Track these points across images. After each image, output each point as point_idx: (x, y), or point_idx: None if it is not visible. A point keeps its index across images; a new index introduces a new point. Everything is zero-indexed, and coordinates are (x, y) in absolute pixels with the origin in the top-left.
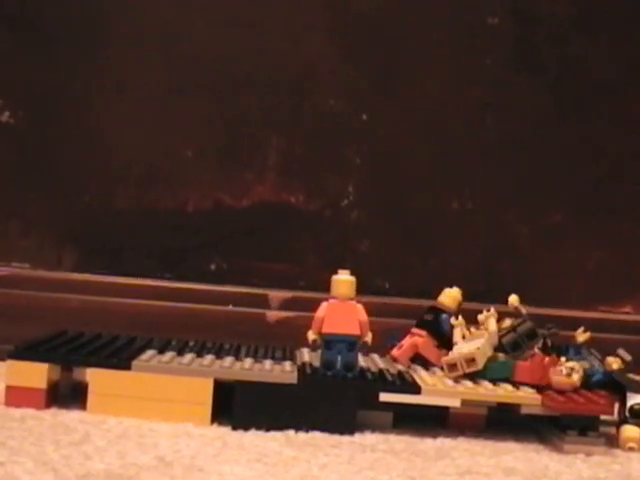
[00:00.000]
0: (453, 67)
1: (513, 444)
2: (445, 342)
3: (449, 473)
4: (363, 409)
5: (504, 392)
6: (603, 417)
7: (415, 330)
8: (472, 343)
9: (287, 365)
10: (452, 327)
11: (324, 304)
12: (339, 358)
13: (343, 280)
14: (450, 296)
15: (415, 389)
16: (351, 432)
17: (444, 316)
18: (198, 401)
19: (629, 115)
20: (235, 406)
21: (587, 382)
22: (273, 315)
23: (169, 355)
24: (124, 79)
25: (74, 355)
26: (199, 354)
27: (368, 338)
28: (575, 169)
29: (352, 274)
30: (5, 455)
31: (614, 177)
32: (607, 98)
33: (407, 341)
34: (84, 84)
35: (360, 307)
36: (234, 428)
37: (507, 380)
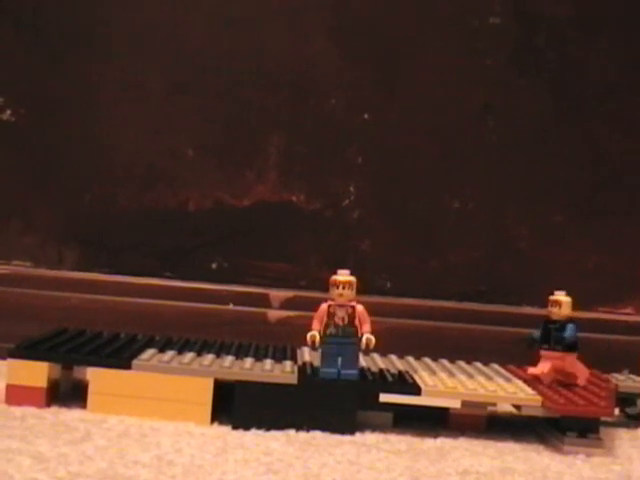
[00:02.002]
0: (454, 67)
1: (513, 445)
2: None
3: (450, 473)
4: (363, 409)
5: (504, 393)
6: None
7: None
8: None
9: (288, 365)
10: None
11: None
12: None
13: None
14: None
15: (415, 390)
16: (351, 432)
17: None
18: (198, 401)
19: (629, 116)
20: (235, 406)
21: None
22: (274, 314)
23: (169, 354)
24: (125, 78)
25: (75, 354)
26: (199, 353)
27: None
28: (575, 170)
29: (353, 274)
30: (5, 453)
31: (614, 178)
32: (607, 99)
33: None
34: (85, 82)
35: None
36: (234, 428)
37: None
